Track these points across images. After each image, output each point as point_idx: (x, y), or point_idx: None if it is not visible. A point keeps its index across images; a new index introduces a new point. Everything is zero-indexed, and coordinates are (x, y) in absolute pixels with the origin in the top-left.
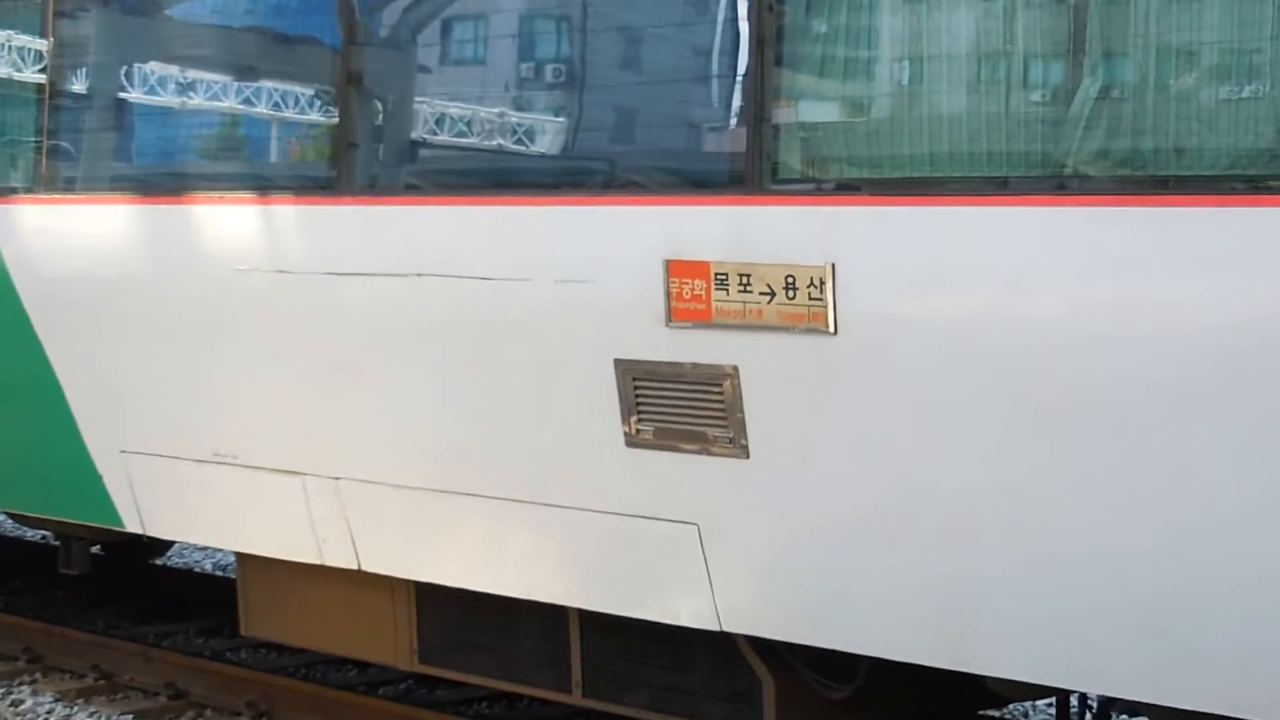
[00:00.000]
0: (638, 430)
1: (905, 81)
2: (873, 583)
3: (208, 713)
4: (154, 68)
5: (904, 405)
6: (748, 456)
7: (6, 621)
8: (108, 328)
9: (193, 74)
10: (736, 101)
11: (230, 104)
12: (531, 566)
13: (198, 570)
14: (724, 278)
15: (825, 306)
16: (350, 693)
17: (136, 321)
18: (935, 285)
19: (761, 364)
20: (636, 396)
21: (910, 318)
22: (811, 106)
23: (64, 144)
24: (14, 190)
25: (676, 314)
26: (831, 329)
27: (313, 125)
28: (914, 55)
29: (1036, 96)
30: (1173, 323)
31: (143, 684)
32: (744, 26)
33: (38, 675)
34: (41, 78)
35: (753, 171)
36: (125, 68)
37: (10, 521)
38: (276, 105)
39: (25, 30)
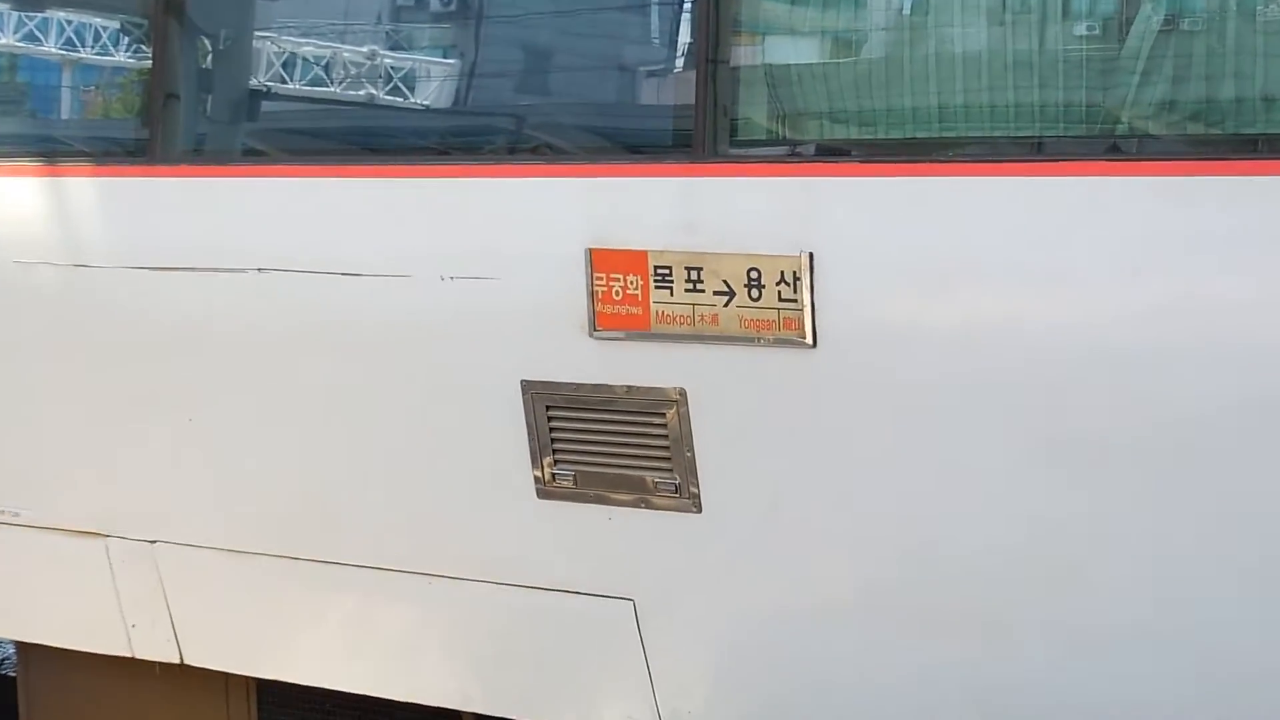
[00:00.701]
0: (553, 476)
1: (908, 10)
2: (863, 674)
3: None
4: None
5: (907, 442)
6: (699, 510)
7: None
8: None
9: None
10: (682, 37)
11: (6, 41)
12: (414, 659)
13: None
14: (666, 273)
15: (801, 310)
16: None
17: None
18: (947, 282)
19: (717, 387)
20: (552, 431)
21: (914, 326)
22: (783, 44)
23: None
24: None
25: (603, 321)
26: (809, 340)
27: (118, 70)
28: None
29: (1081, 29)
30: (1264, 327)
31: None
32: None
33: None
34: None
35: (704, 131)
36: None
37: None
38: (69, 43)
39: None
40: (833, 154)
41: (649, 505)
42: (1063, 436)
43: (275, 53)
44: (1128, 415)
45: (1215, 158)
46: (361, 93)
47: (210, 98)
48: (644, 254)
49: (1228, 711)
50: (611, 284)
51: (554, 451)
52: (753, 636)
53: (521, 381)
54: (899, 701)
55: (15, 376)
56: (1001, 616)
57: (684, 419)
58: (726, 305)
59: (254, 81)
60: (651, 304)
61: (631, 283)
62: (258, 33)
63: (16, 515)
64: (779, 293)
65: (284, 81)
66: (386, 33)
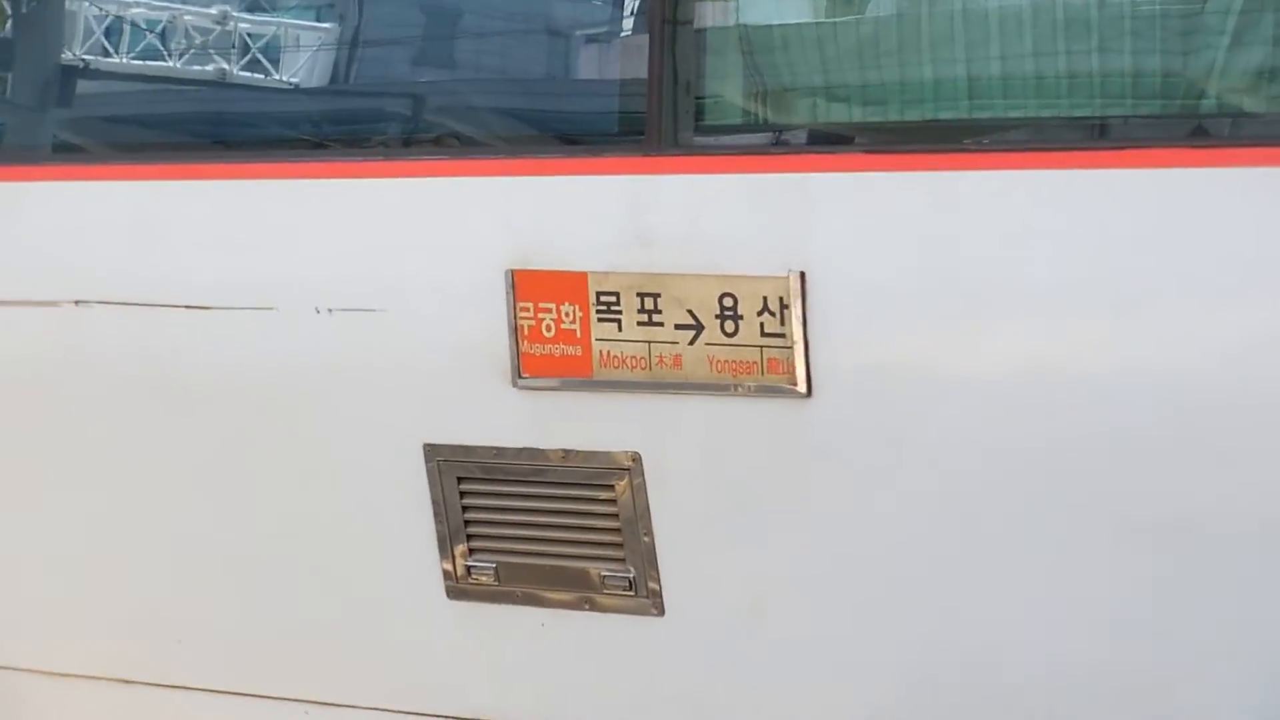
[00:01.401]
0: (468, 570)
1: None
2: None
3: None
4: None
5: (933, 527)
6: (660, 612)
7: None
8: None
9: None
10: None
11: None
12: None
13: None
14: (613, 300)
15: (791, 349)
16: None
17: None
18: (986, 311)
19: (681, 451)
20: (466, 510)
21: (944, 370)
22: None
23: None
24: None
25: (531, 365)
26: (802, 387)
27: None
28: None
29: None
30: None
31: None
32: None
33: None
34: None
35: (661, 114)
36: None
37: None
38: None
39: None
40: (831, 142)
41: (595, 607)
42: (1156, 519)
43: (95, 16)
44: (1244, 496)
45: None
46: (210, 68)
47: (8, 77)
48: (583, 276)
49: None
50: (541, 316)
51: (468, 537)
52: None
53: (424, 446)
54: None
55: None
56: None
57: (639, 493)
58: (693, 343)
59: (67, 55)
60: (594, 342)
61: (567, 314)
62: None
63: None
64: (761, 325)
65: (107, 54)
66: None
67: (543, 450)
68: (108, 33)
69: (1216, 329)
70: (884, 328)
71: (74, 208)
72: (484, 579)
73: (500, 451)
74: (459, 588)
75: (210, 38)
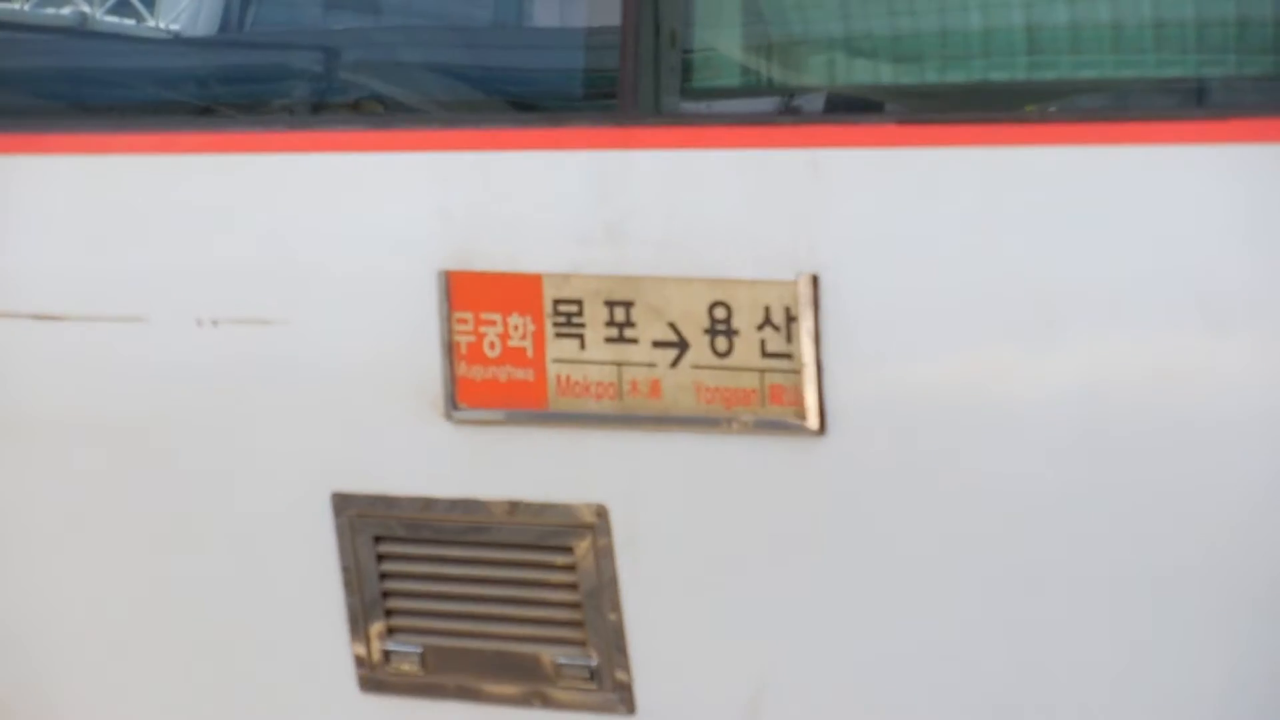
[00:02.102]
0: (385, 655)
1: None
2: None
3: None
4: None
5: (991, 602)
6: (630, 711)
7: None
8: None
9: None
10: None
11: None
12: None
13: None
14: (574, 311)
15: (800, 372)
16: None
17: None
18: (1052, 322)
19: (659, 504)
20: (384, 579)
21: (997, 401)
22: None
23: None
24: None
25: (469, 392)
26: (813, 422)
27: None
28: None
29: None
30: None
31: None
32: None
33: None
34: None
35: (638, 74)
36: None
37: None
38: None
39: None
40: (853, 110)
41: (547, 703)
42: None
43: None
44: None
45: None
46: (66, 12)
47: None
48: (536, 280)
49: None
50: (483, 331)
51: (387, 613)
52: None
53: (333, 496)
54: None
55: None
56: None
57: (604, 557)
58: (675, 365)
59: None
60: (549, 364)
61: (516, 328)
62: None
63: None
64: (762, 343)
65: None
66: None
67: (483, 502)
68: None
69: None
70: (920, 346)
71: None
72: (406, 667)
73: (429, 504)
74: (375, 678)
75: None
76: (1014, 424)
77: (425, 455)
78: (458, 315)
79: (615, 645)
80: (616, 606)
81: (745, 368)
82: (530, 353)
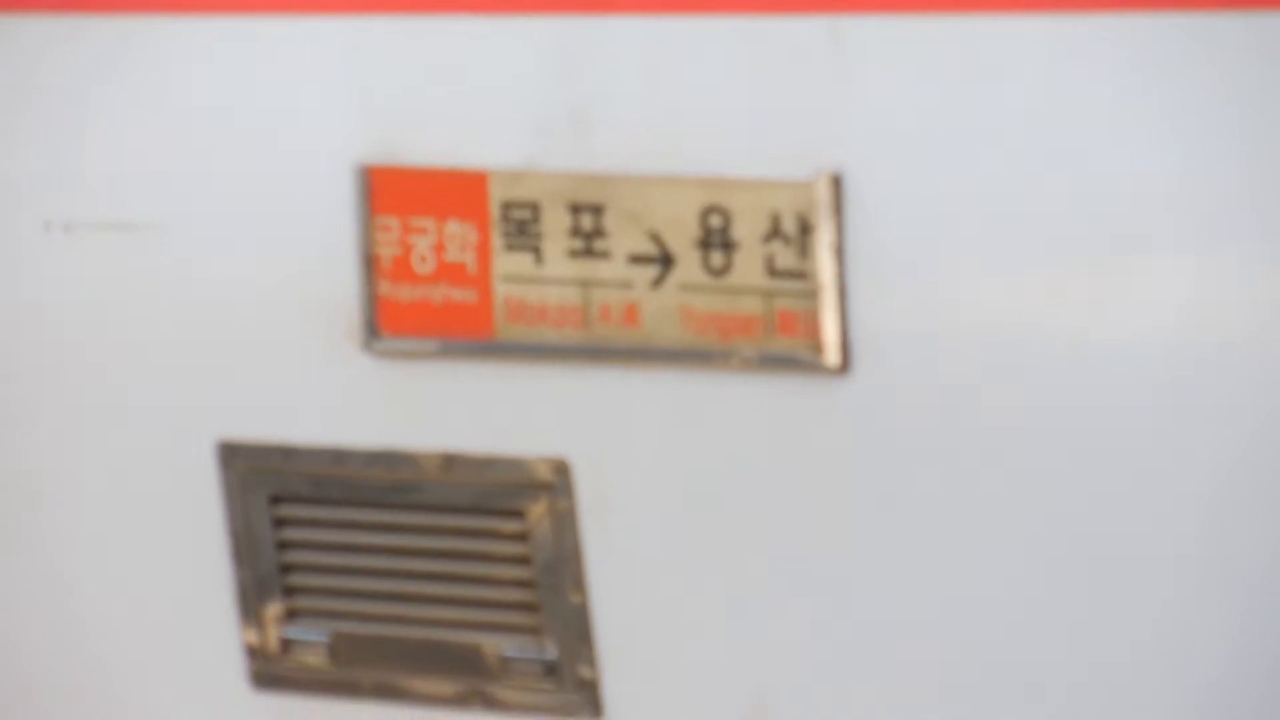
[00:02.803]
0: (284, 644)
1: None
2: None
3: None
4: None
5: (1050, 577)
6: (598, 715)
7: None
8: None
9: None
10: None
11: None
12: None
13: None
14: (528, 217)
15: (816, 295)
16: None
17: None
18: (1146, 238)
19: (635, 459)
20: (283, 550)
21: (1072, 335)
22: None
23: None
24: None
25: (393, 318)
26: (832, 357)
27: None
28: None
29: None
30: None
31: None
32: None
33: None
34: None
35: None
36: None
37: None
38: None
39: None
40: None
41: (492, 705)
42: None
43: None
44: None
45: None
46: None
47: None
48: (481, 178)
49: None
50: (412, 240)
51: (286, 592)
52: None
53: (219, 446)
54: None
55: None
56: None
57: (565, 523)
58: (657, 284)
59: None
60: (496, 282)
61: (454, 237)
62: None
63: None
64: (769, 259)
65: None
66: None
67: (410, 455)
68: None
69: None
70: (968, 265)
71: None
72: (311, 658)
73: (341, 456)
74: (270, 671)
75: None
76: (1087, 360)
77: (337, 395)
78: (380, 221)
79: (578, 634)
80: (580, 585)
81: (747, 289)
82: (472, 268)
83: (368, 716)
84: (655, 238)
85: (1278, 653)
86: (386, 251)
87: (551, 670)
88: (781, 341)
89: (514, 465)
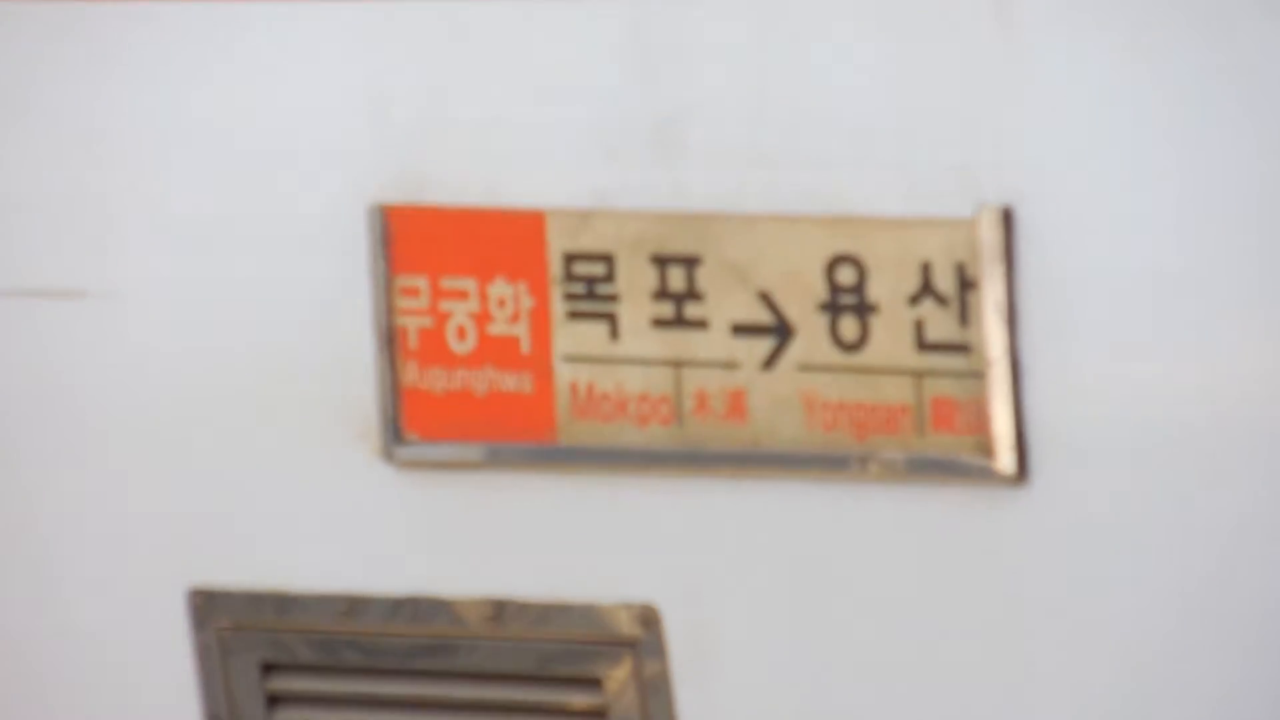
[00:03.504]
0: None
1: None
2: None
3: None
4: None
5: None
6: None
7: None
8: None
9: None
10: None
11: None
12: None
13: None
14: (599, 273)
15: (984, 375)
16: None
17: None
18: None
19: (746, 603)
20: None
21: None
22: None
23: None
24: None
25: (420, 414)
26: (1006, 462)
27: None
28: None
29: None
30: None
31: None
32: None
33: None
34: None
35: None
36: None
37: None
38: None
39: None
40: None
41: None
42: None
43: None
44: None
45: None
46: None
47: None
48: (536, 219)
49: None
50: (445, 308)
51: None
52: None
53: (189, 594)
54: None
55: None
56: None
57: (656, 691)
58: (771, 363)
59: None
60: (558, 364)
61: (503, 303)
62: None
63: None
64: (919, 324)
65: None
66: None
67: (448, 602)
68: None
69: None
70: (1192, 329)
71: None
72: None
73: (355, 606)
74: None
75: None
76: None
77: (349, 520)
78: (403, 282)
79: None
80: None
81: (889, 369)
82: (526, 345)
83: None
84: (767, 299)
85: None
86: (413, 323)
87: None
88: (937, 440)
89: (586, 615)
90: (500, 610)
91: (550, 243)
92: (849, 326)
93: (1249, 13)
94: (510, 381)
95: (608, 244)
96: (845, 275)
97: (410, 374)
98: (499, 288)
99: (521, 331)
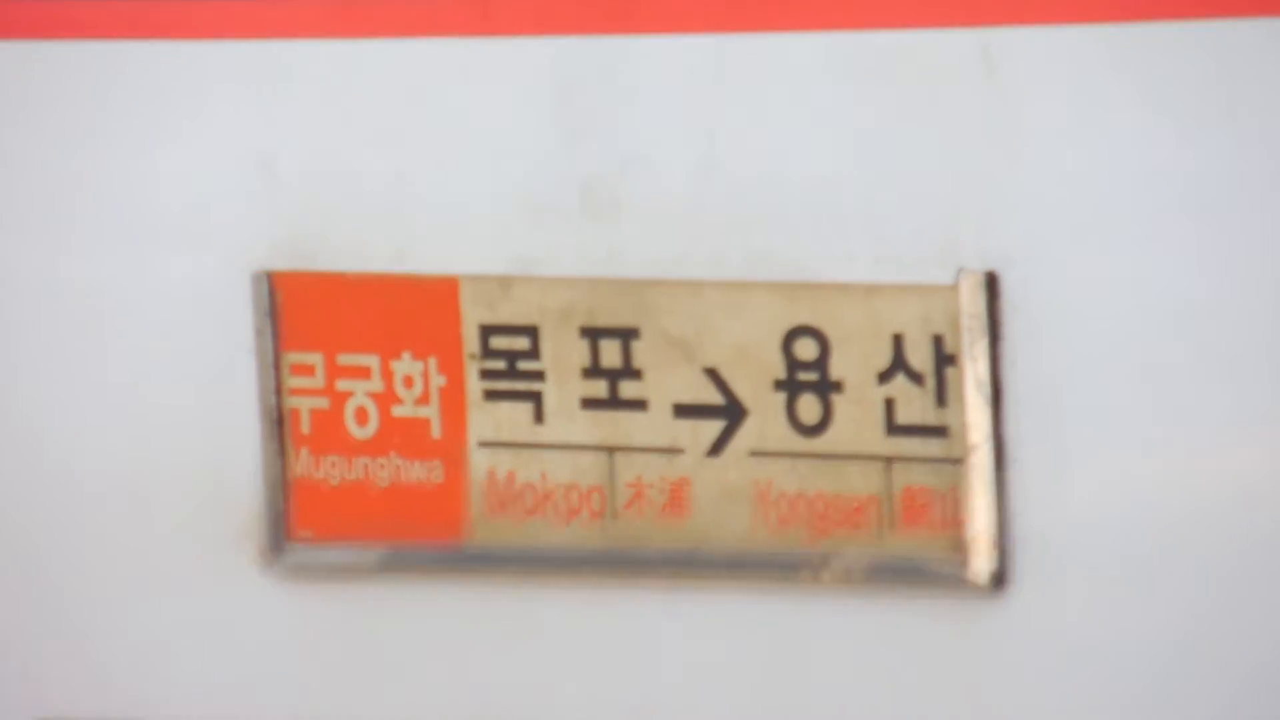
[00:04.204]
0: None
1: None
2: None
3: None
4: None
5: None
6: None
7: None
8: None
9: None
10: None
11: None
12: None
13: None
14: (522, 347)
15: (961, 464)
16: None
17: None
18: None
19: None
20: None
21: None
22: None
23: None
24: None
25: (311, 512)
26: (981, 571)
27: None
28: None
29: None
30: None
31: None
32: None
33: None
34: None
35: None
36: None
37: None
38: None
39: None
40: None
41: None
42: None
43: None
44: None
45: None
46: None
47: None
48: (449, 286)
49: None
50: (342, 387)
51: None
52: None
53: None
54: None
55: None
56: None
57: None
58: (717, 449)
59: None
60: (473, 452)
61: (410, 381)
62: None
63: None
64: (888, 406)
65: None
66: None
67: None
68: None
69: None
70: (1202, 410)
71: None
72: None
73: None
74: None
75: None
76: None
77: (225, 639)
78: (293, 358)
79: None
80: None
81: (855, 455)
82: (437, 430)
83: None
84: (715, 376)
85: None
86: (305, 405)
87: None
88: (906, 538)
89: None
90: None
91: (464, 313)
92: (809, 407)
93: (1248, 69)
94: (417, 471)
95: (531, 314)
96: (805, 349)
97: (301, 463)
98: (405, 365)
99: (431, 414)
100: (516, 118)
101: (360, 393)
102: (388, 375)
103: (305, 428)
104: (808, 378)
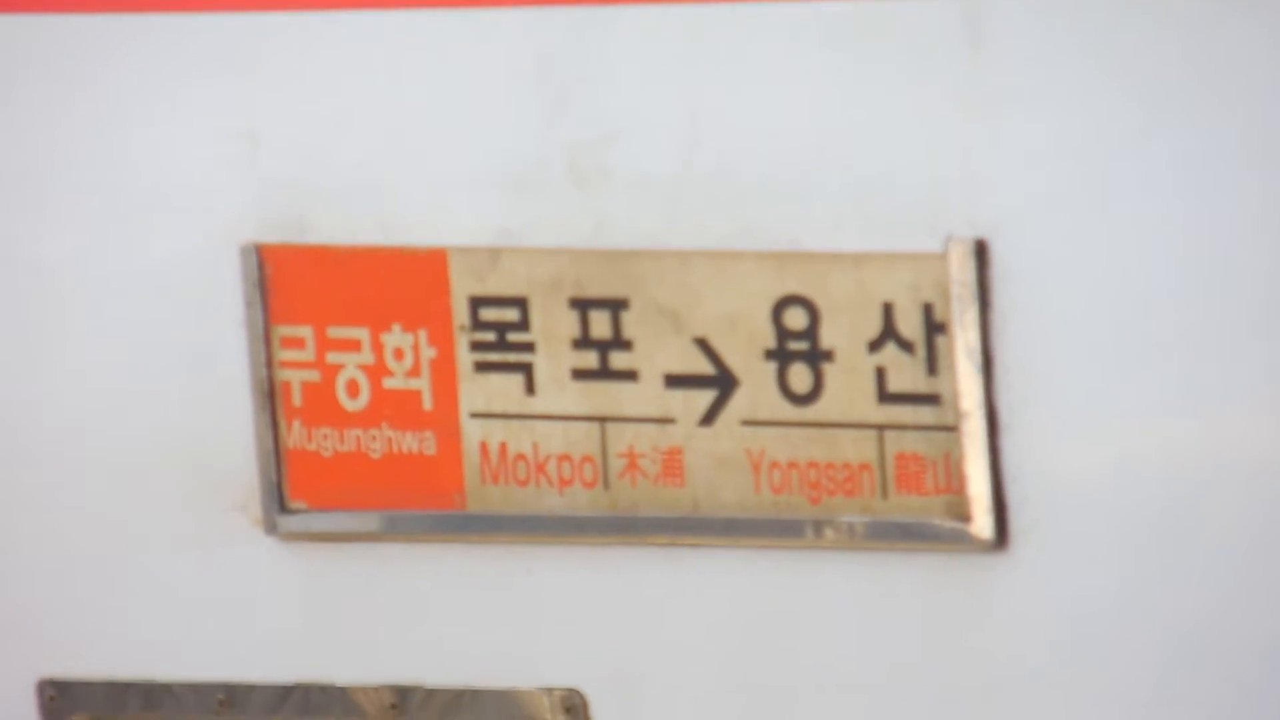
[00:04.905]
0: None
1: None
2: None
3: None
4: None
5: None
6: None
7: None
8: None
9: None
10: None
11: None
12: None
13: None
14: (512, 319)
15: (955, 429)
16: None
17: None
18: None
19: (682, 689)
20: None
21: None
22: None
23: None
24: None
25: (307, 480)
26: (983, 525)
27: None
28: None
29: None
30: None
31: None
32: None
33: None
34: None
35: None
36: None
37: None
38: None
39: None
40: None
41: None
42: None
43: None
44: None
45: None
46: None
47: None
48: (438, 258)
49: None
50: (334, 359)
51: None
52: None
53: (39, 685)
54: None
55: None
56: None
57: None
58: (710, 419)
59: None
60: (465, 422)
61: (401, 354)
62: None
63: None
64: (880, 374)
65: None
66: None
67: (343, 690)
68: None
69: None
70: (1181, 370)
71: None
72: None
73: (236, 695)
74: None
75: None
76: None
77: (226, 601)
78: (284, 332)
79: None
80: None
81: (848, 423)
82: (429, 401)
83: None
84: (705, 346)
85: None
86: (297, 378)
87: None
88: (902, 502)
89: (502, 702)
90: (403, 698)
91: (454, 285)
92: (800, 376)
93: (1228, 35)
94: (410, 442)
95: (520, 286)
96: (795, 319)
97: (295, 435)
98: (395, 337)
99: (422, 386)
100: (502, 89)
101: (351, 365)
102: (378, 348)
103: (297, 400)
104: (798, 347)
